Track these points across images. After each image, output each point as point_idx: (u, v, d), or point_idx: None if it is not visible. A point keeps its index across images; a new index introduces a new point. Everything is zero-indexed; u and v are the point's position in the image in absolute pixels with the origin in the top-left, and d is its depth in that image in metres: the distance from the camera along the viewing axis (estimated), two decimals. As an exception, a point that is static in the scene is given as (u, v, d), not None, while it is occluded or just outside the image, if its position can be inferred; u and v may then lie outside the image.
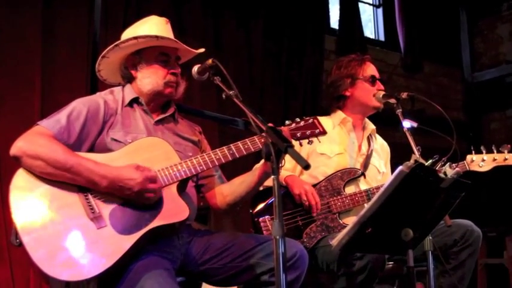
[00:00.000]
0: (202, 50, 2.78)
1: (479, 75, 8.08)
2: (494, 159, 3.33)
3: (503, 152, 3.34)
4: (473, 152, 3.34)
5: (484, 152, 3.34)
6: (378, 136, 3.62)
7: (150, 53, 2.66)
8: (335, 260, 2.96)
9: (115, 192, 2.29)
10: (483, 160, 3.32)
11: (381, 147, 3.61)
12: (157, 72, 2.65)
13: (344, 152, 3.39)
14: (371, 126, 3.55)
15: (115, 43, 2.63)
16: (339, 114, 3.48)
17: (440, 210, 2.52)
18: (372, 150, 3.47)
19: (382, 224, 2.35)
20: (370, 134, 3.53)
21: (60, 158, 2.27)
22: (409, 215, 2.41)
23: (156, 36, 2.60)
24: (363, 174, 3.30)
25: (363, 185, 3.32)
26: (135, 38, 2.59)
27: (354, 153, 3.43)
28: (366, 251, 2.73)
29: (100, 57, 2.69)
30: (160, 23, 2.71)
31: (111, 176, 2.28)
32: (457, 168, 2.70)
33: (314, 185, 3.23)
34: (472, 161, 3.32)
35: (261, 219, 3.13)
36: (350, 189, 3.27)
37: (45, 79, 4.31)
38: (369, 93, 3.42)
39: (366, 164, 3.41)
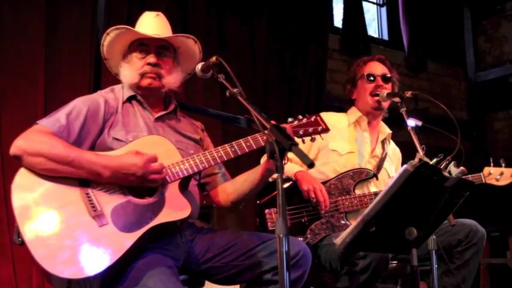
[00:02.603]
0: (184, 35, 2.71)
1: (483, 74, 8.06)
2: None
3: None
4: (491, 164, 3.28)
5: (503, 165, 3.27)
6: (391, 141, 3.56)
7: (132, 47, 2.66)
8: (338, 258, 2.95)
9: (119, 181, 2.28)
10: (501, 174, 3.26)
11: (393, 152, 3.57)
12: (134, 64, 2.64)
13: (355, 151, 3.34)
14: (387, 130, 3.49)
15: (101, 43, 2.68)
16: (355, 113, 3.43)
17: (445, 210, 2.51)
18: (386, 154, 3.42)
19: (386, 223, 2.34)
20: (385, 138, 3.48)
21: (61, 153, 2.26)
22: (413, 214, 2.39)
23: (124, 28, 2.60)
24: (375, 175, 3.25)
25: (373, 188, 3.28)
26: (107, 33, 2.63)
27: (366, 153, 3.38)
28: (370, 249, 2.72)
29: (104, 61, 2.75)
30: (149, 17, 2.71)
31: (113, 165, 2.27)
32: (461, 167, 2.68)
33: (324, 182, 3.19)
34: (490, 173, 3.27)
35: (266, 210, 3.11)
36: (359, 191, 3.23)
37: (49, 76, 4.31)
38: (366, 91, 3.37)
39: (379, 167, 3.37)
